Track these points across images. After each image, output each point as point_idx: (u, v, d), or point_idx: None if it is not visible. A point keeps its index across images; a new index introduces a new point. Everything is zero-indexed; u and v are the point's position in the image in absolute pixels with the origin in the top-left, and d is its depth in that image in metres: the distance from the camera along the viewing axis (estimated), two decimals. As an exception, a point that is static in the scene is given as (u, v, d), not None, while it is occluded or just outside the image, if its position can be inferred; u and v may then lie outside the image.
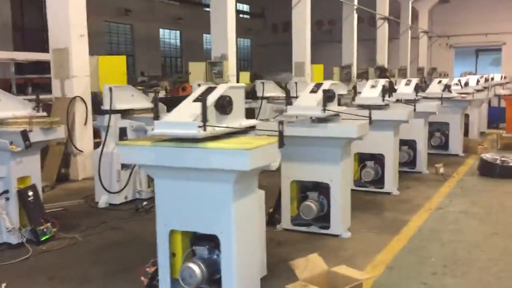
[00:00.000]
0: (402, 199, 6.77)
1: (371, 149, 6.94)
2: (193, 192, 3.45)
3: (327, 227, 5.25)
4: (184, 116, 3.42)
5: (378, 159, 7.05)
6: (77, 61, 8.17)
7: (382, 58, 23.42)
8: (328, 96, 4.97)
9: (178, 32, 30.38)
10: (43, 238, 5.14)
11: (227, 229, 3.37)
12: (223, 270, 3.46)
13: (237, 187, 3.35)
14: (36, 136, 5.05)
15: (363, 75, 20.20)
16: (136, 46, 27.04)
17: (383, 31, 23.35)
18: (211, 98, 3.46)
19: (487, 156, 8.34)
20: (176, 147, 3.36)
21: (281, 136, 3.52)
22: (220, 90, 3.59)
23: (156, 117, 3.54)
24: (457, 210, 6.21)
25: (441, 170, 8.29)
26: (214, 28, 12.08)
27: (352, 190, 6.64)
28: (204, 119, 3.29)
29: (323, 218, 5.30)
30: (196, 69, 12.01)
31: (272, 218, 5.55)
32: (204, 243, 3.60)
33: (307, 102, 5.08)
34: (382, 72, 21.16)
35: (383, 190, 7.01)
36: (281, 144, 3.51)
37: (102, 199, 6.60)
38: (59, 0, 8.06)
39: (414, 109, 7.14)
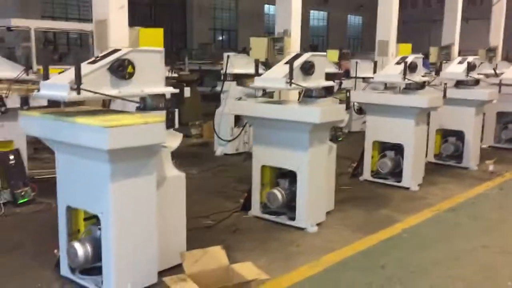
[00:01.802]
0: (416, 195, 6.04)
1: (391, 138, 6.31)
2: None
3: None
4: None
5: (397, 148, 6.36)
6: (116, 32, 8.32)
7: (496, 39, 21.04)
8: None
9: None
10: (21, 201, 5.33)
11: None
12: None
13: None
14: (14, 102, 5.06)
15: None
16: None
17: (499, 8, 20.89)
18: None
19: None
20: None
21: (171, 115, 3.24)
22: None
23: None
24: (469, 215, 5.37)
25: (491, 168, 7.25)
26: (278, 3, 11.65)
27: (371, 182, 6.28)
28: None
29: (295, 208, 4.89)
30: (258, 45, 11.71)
31: (246, 203, 5.24)
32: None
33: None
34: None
35: (400, 184, 6.31)
36: (170, 124, 3.23)
37: (219, 149, 7.99)
38: (99, -28, 8.20)
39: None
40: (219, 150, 8.15)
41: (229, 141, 7.95)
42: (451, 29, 18.37)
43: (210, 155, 8.11)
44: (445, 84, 6.67)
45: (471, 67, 7.36)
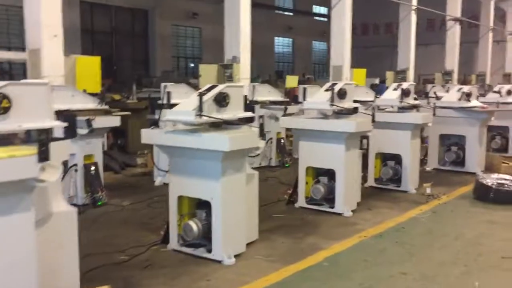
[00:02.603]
0: (347, 221, 5.92)
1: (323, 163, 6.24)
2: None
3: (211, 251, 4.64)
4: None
5: (331, 174, 6.26)
6: (49, 61, 8.13)
7: (451, 63, 21.52)
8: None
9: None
10: (99, 203, 6.50)
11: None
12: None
13: None
14: (98, 123, 6.32)
15: (429, 81, 18.90)
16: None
17: (452, 34, 21.43)
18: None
19: (484, 177, 7.11)
20: None
21: (44, 148, 3.05)
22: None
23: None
24: (394, 240, 5.26)
25: (428, 191, 7.20)
26: (228, 28, 11.65)
27: (305, 208, 6.35)
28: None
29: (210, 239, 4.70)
30: (207, 72, 11.64)
31: (166, 235, 5.02)
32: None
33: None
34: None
35: (333, 210, 6.19)
36: (43, 157, 3.04)
37: (158, 179, 7.80)
38: (32, 2, 8.05)
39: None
40: (158, 180, 7.94)
41: (167, 171, 7.75)
42: (406, 54, 18.79)
43: (150, 185, 7.89)
44: (373, 108, 6.65)
45: (405, 93, 7.40)
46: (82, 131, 6.33)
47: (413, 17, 18.22)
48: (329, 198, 6.33)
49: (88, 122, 6.34)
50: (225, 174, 4.47)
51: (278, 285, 4.13)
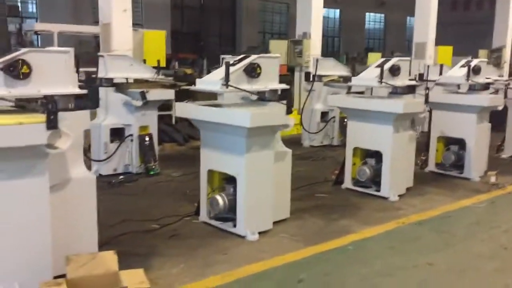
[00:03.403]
0: (391, 206, 5.67)
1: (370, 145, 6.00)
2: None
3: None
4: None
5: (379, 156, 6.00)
6: (119, 35, 8.49)
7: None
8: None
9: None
10: (151, 173, 6.81)
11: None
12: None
13: None
14: (152, 96, 6.60)
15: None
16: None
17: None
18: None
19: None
20: None
21: (53, 116, 3.21)
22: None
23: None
24: (434, 229, 4.96)
25: (492, 179, 6.68)
26: (299, 3, 11.46)
27: (351, 190, 6.18)
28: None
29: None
30: (278, 47, 11.57)
31: (199, 208, 5.13)
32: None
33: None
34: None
35: (379, 193, 5.95)
36: (51, 125, 3.20)
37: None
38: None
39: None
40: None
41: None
42: (502, 31, 17.36)
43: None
44: (427, 88, 6.22)
45: (474, 71, 6.85)
46: (137, 102, 6.62)
47: (513, -10, 16.75)
48: (377, 181, 6.08)
49: (142, 94, 6.58)
50: (250, 151, 4.44)
51: (293, 265, 4.07)
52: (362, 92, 7.60)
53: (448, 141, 7.17)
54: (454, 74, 6.96)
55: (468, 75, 6.73)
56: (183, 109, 4.84)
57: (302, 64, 11.02)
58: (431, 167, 7.28)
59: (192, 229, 4.81)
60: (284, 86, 4.81)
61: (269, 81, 4.71)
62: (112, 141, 6.78)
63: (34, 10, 19.90)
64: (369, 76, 5.89)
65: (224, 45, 25.41)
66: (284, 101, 4.61)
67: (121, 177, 6.60)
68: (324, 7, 11.78)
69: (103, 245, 4.21)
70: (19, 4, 19.67)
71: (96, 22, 20.38)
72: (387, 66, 5.87)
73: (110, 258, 3.40)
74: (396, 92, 6.17)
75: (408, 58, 6.42)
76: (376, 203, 5.75)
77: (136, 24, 22.35)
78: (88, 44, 16.16)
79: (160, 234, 4.68)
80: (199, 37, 24.68)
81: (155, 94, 6.71)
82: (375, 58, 15.83)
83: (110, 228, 4.69)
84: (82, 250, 3.67)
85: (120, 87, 6.75)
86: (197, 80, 4.73)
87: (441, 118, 7.04)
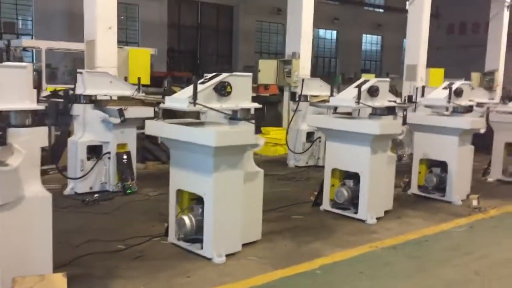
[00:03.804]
0: (367, 229, 5.55)
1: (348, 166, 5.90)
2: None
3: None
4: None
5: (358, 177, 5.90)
6: (103, 52, 8.46)
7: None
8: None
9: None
10: (128, 191, 6.66)
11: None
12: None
13: None
14: (131, 113, 6.50)
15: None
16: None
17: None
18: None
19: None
20: None
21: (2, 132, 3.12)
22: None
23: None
24: (407, 254, 4.83)
25: (474, 203, 6.56)
26: (289, 22, 11.47)
27: (329, 212, 6.09)
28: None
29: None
30: (267, 67, 11.55)
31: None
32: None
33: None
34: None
35: (357, 216, 5.84)
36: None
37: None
38: (89, -5, 8.41)
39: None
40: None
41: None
42: (495, 54, 17.41)
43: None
44: (405, 110, 6.14)
45: (456, 93, 6.79)
46: (115, 120, 6.54)
47: (506, 14, 16.85)
48: (356, 203, 5.96)
49: (120, 112, 6.50)
50: (217, 170, 4.34)
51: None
52: (350, 113, 7.54)
53: (431, 164, 7.08)
54: (435, 96, 6.90)
55: (449, 97, 6.67)
56: (152, 127, 4.76)
57: (291, 84, 10.98)
58: (414, 189, 7.17)
59: (158, 251, 4.69)
60: (256, 105, 4.74)
61: (241, 100, 4.63)
62: (89, 159, 6.68)
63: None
64: (347, 96, 5.83)
65: (220, 64, 25.50)
66: (253, 120, 4.52)
67: (96, 195, 6.48)
68: (321, 28, 11.81)
69: (62, 266, 4.10)
70: (15, 21, 19.73)
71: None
72: (365, 86, 5.81)
73: (58, 281, 3.29)
74: (375, 113, 6.11)
75: (388, 79, 6.37)
76: (352, 226, 5.63)
77: (132, 43, 22.56)
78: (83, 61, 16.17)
79: (125, 255, 4.55)
80: (195, 56, 24.81)
81: (133, 112, 6.63)
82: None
83: (74, 249, 4.59)
84: (35, 271, 3.56)
85: (98, 104, 6.68)
86: (166, 98, 4.66)
87: (423, 140, 6.97)
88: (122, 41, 21.54)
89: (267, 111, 12.76)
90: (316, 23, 29.72)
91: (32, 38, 19.08)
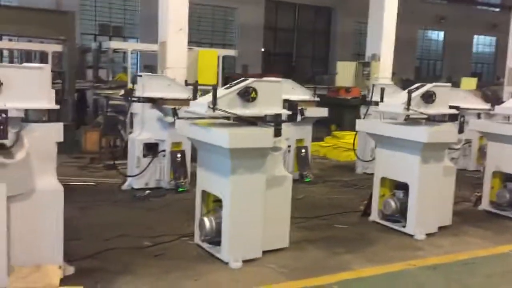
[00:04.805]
0: (412, 245, 5.09)
1: (397, 175, 5.46)
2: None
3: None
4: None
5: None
6: (173, 53, 8.70)
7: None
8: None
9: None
10: (180, 190, 6.78)
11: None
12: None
13: None
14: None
15: None
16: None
17: None
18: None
19: None
20: None
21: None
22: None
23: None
24: (448, 276, 4.34)
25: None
26: (370, 23, 10.98)
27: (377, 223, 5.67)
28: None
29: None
30: (345, 69, 11.16)
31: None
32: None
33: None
34: None
35: (404, 230, 5.38)
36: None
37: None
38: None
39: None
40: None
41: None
42: None
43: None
44: (463, 117, 5.48)
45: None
46: (169, 119, 6.67)
47: None
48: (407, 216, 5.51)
49: (174, 111, 6.61)
50: (235, 173, 4.22)
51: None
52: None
53: (507, 177, 6.34)
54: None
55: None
56: (181, 127, 4.76)
57: (369, 86, 10.49)
58: (485, 205, 6.48)
59: (181, 250, 4.68)
60: (285, 111, 4.52)
61: (268, 106, 4.42)
62: (145, 156, 6.89)
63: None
64: (397, 102, 5.39)
65: (316, 66, 25.24)
66: (273, 124, 4.32)
67: (148, 191, 6.67)
68: (426, 28, 10.98)
69: (83, 259, 4.26)
70: (122, 25, 21.06)
71: (190, 42, 21.39)
72: (419, 92, 5.33)
73: (53, 272, 3.38)
74: (433, 120, 5.60)
75: (448, 84, 5.76)
76: (396, 240, 5.20)
77: (229, 45, 23.05)
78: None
79: (147, 252, 4.60)
80: (291, 58, 24.77)
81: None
82: (468, 83, 14.76)
83: (103, 242, 4.72)
84: (45, 261, 3.70)
85: (155, 103, 6.86)
86: (191, 102, 4.64)
87: (497, 151, 6.26)
88: (219, 44, 22.20)
89: (348, 114, 12.31)
90: (420, 24, 28.35)
91: (137, 41, 20.24)
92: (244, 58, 21.61)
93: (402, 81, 19.82)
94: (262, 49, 23.37)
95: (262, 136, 4.20)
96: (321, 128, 12.15)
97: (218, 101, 4.21)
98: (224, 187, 4.30)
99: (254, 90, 4.33)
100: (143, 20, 20.16)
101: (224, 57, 16.41)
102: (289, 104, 4.69)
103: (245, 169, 4.27)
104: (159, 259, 4.46)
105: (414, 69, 27.47)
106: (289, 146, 7.28)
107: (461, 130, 5.28)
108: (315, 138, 10.56)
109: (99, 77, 12.30)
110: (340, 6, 24.75)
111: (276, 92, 4.54)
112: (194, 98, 5.43)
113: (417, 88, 5.42)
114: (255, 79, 4.44)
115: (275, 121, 4.28)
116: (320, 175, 8.41)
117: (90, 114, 12.17)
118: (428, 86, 5.43)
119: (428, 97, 5.34)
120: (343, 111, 12.38)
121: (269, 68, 22.44)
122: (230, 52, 14.90)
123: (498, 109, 6.35)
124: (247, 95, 4.32)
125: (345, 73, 10.97)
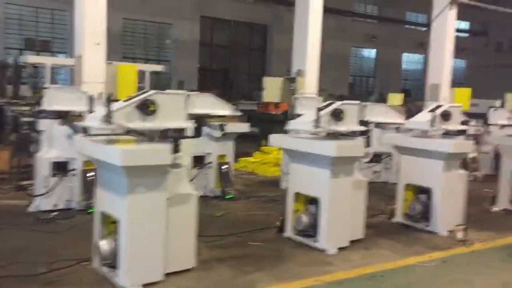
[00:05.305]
0: (323, 260, 5.04)
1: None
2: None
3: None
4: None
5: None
6: (90, 68, 8.40)
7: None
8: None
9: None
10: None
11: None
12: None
13: None
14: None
15: None
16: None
17: None
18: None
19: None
20: None
21: None
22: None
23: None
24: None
25: (459, 235, 5.91)
26: (296, 38, 11.11)
27: (291, 239, 5.65)
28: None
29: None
30: (272, 85, 11.19)
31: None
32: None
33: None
34: None
35: (316, 245, 5.34)
36: None
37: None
38: (78, 10, 8.41)
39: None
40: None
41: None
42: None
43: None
44: (369, 132, 5.56)
45: (444, 117, 6.16)
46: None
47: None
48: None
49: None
50: (133, 192, 4.01)
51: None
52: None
53: (419, 190, 6.46)
54: (419, 120, 6.30)
55: (433, 121, 6.06)
56: (81, 144, 4.49)
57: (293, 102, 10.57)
58: (399, 217, 6.57)
59: (79, 276, 4.39)
60: (188, 124, 4.40)
61: (170, 120, 4.27)
62: (54, 175, 6.50)
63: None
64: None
65: (253, 83, 25.36)
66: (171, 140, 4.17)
67: (54, 213, 6.25)
68: (358, 46, 11.30)
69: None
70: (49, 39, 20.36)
71: (124, 58, 20.94)
72: (327, 110, 5.33)
73: None
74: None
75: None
76: (308, 256, 5.14)
77: (164, 61, 22.75)
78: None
79: (41, 280, 4.27)
80: (227, 74, 24.75)
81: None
82: (395, 99, 15.22)
83: (-8, 270, 4.37)
84: None
85: (200, 120, 6.64)
86: (86, 116, 4.42)
87: (409, 164, 6.39)
88: (154, 60, 21.89)
89: (277, 129, 12.32)
90: (353, 42, 29.22)
91: (66, 56, 19.57)
92: (180, 74, 21.43)
93: (336, 97, 20.28)
94: (198, 65, 23.25)
95: (158, 152, 4.03)
96: (252, 144, 12.14)
97: (115, 114, 4.01)
98: (121, 207, 4.08)
99: (153, 102, 4.16)
100: (73, 34, 19.57)
101: (158, 73, 16.16)
102: (194, 118, 4.57)
103: (144, 188, 4.07)
104: (52, 286, 4.16)
105: (348, 85, 28.20)
106: (210, 163, 7.45)
107: (367, 144, 5.32)
108: (244, 154, 10.53)
109: (17, 93, 11.72)
110: (275, 23, 25.06)
111: (179, 105, 4.40)
112: (91, 111, 5.18)
113: (327, 106, 5.43)
114: (155, 91, 4.28)
115: (174, 136, 4.13)
116: (244, 191, 8.29)
117: (8, 132, 11.55)
118: (336, 104, 5.45)
119: (337, 115, 5.35)
120: (272, 126, 12.38)
121: (205, 84, 22.31)
122: (157, 68, 14.67)
123: (408, 123, 6.48)
124: (145, 108, 4.15)
125: (272, 88, 10.98)
